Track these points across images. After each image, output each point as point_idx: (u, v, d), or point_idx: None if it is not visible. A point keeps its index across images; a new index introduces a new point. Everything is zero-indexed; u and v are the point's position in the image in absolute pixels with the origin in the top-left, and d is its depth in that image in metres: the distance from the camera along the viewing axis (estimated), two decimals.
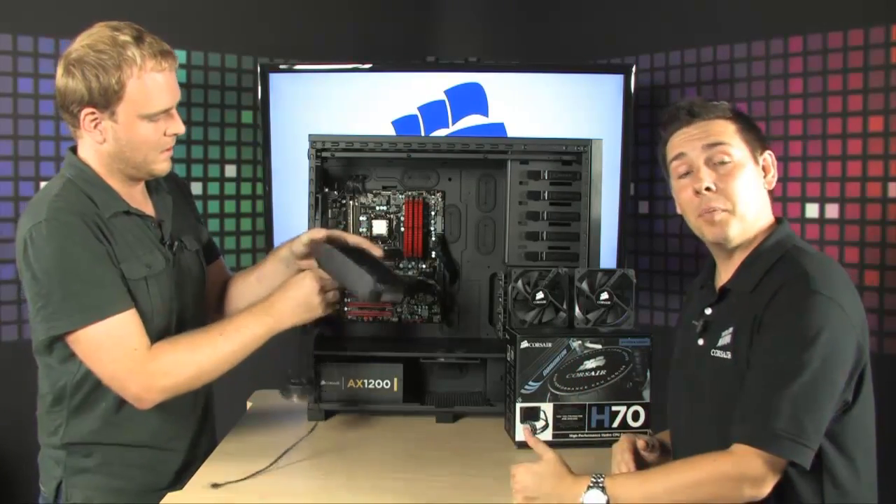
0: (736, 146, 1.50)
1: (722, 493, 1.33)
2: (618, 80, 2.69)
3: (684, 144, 1.52)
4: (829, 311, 1.35)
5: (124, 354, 1.57)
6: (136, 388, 1.58)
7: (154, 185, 1.77)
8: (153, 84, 1.59)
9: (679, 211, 1.58)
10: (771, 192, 1.54)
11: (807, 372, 1.32)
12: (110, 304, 1.57)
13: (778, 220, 1.54)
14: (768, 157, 1.53)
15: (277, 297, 1.71)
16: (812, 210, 2.45)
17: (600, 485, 1.38)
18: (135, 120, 1.60)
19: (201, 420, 1.82)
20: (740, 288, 1.49)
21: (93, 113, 1.59)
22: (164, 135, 1.65)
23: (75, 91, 1.58)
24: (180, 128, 1.67)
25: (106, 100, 1.58)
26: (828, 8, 2.41)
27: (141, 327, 1.60)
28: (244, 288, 1.93)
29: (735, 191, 1.48)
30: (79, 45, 1.59)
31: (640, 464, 1.61)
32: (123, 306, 1.58)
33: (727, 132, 1.51)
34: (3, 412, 2.47)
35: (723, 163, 1.49)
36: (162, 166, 1.68)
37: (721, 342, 1.47)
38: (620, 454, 1.62)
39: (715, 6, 2.65)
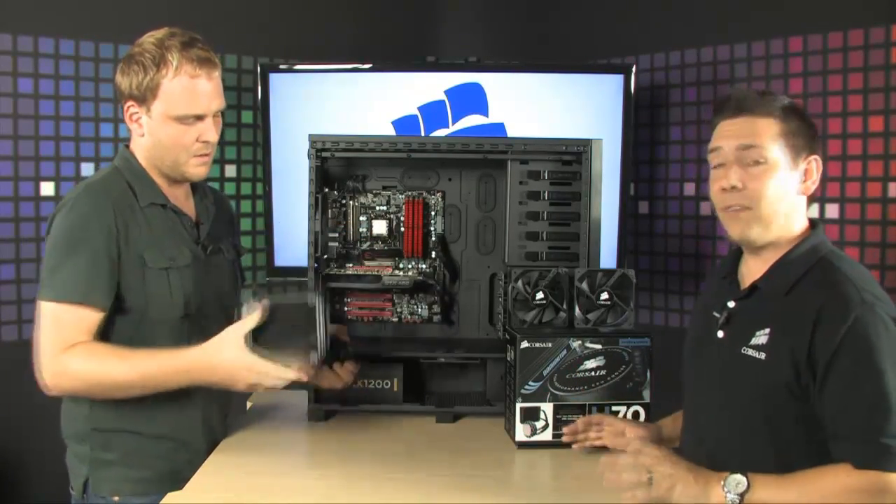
0: (772, 149, 1.47)
1: None
2: (618, 80, 2.69)
3: (722, 139, 1.51)
4: (879, 322, 1.37)
5: (54, 343, 1.60)
6: (44, 373, 1.61)
7: (200, 191, 1.84)
8: (187, 87, 1.67)
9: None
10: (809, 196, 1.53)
11: (891, 389, 1.35)
12: (77, 291, 1.60)
13: (813, 224, 1.54)
14: (813, 162, 1.51)
15: (207, 359, 1.63)
16: (812, 210, 2.44)
17: (741, 473, 1.38)
18: (165, 119, 1.68)
19: (219, 413, 1.84)
20: (773, 289, 1.49)
21: (133, 106, 1.69)
22: (197, 140, 1.70)
23: (121, 84, 1.69)
24: (212, 136, 1.72)
25: (143, 95, 1.67)
26: (828, 8, 2.41)
27: (90, 328, 1.61)
28: None
29: (760, 193, 1.47)
30: (135, 44, 1.70)
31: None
32: (89, 301, 1.61)
33: (768, 133, 1.48)
34: (3, 412, 2.47)
35: (756, 163, 1.48)
36: (195, 170, 1.74)
37: (754, 341, 1.47)
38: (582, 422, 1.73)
39: (715, 6, 2.65)
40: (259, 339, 1.64)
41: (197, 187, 1.84)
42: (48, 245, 1.66)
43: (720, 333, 1.55)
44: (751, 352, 1.47)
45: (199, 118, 1.69)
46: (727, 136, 1.50)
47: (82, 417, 1.69)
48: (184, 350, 1.64)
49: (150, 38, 1.68)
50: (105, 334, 1.65)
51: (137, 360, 1.61)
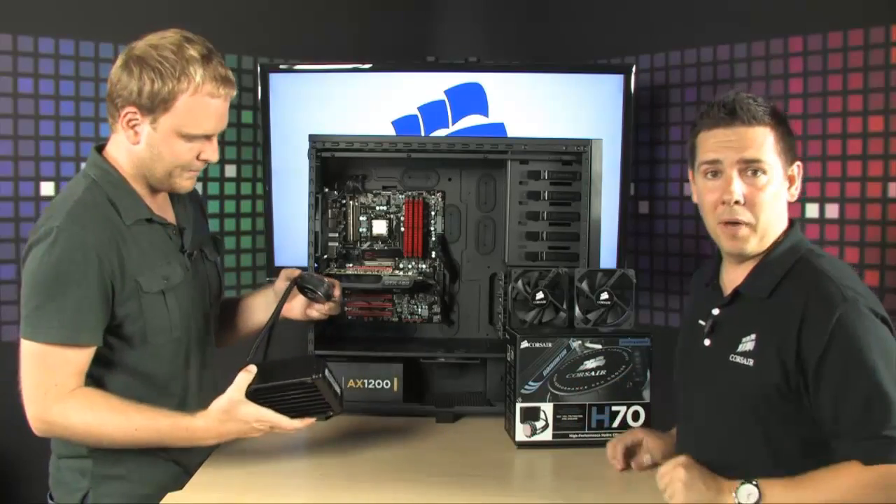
0: (772, 161, 1.46)
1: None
2: (618, 80, 2.69)
3: (720, 150, 1.47)
4: (863, 317, 1.37)
5: (41, 384, 1.53)
6: (32, 418, 1.55)
7: (178, 196, 1.75)
8: (204, 107, 1.57)
9: (696, 200, 1.57)
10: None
11: (885, 381, 1.35)
12: (64, 333, 1.52)
13: (790, 223, 1.53)
14: (796, 169, 1.51)
15: (214, 428, 1.59)
16: (812, 210, 2.45)
17: (752, 483, 1.38)
18: (173, 135, 1.58)
19: None
20: (755, 293, 1.48)
21: (135, 113, 1.57)
22: (197, 158, 1.63)
23: (126, 86, 1.56)
24: (214, 156, 1.64)
25: (153, 105, 1.56)
26: (828, 8, 2.41)
27: (79, 368, 1.55)
28: (255, 307, 1.93)
29: (762, 207, 1.46)
30: (145, 44, 1.58)
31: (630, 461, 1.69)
32: (76, 340, 1.54)
33: (765, 145, 1.46)
34: (3, 413, 2.47)
35: (756, 175, 1.46)
36: (185, 184, 1.66)
37: (741, 348, 1.47)
38: (612, 448, 1.70)
39: (715, 6, 2.65)
40: (259, 395, 1.59)
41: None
42: (29, 279, 1.55)
43: (707, 342, 1.54)
44: (739, 359, 1.47)
45: (208, 137, 1.62)
46: (725, 147, 1.47)
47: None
48: (187, 417, 1.58)
49: (165, 43, 1.56)
50: (101, 361, 1.60)
51: (137, 419, 1.55)
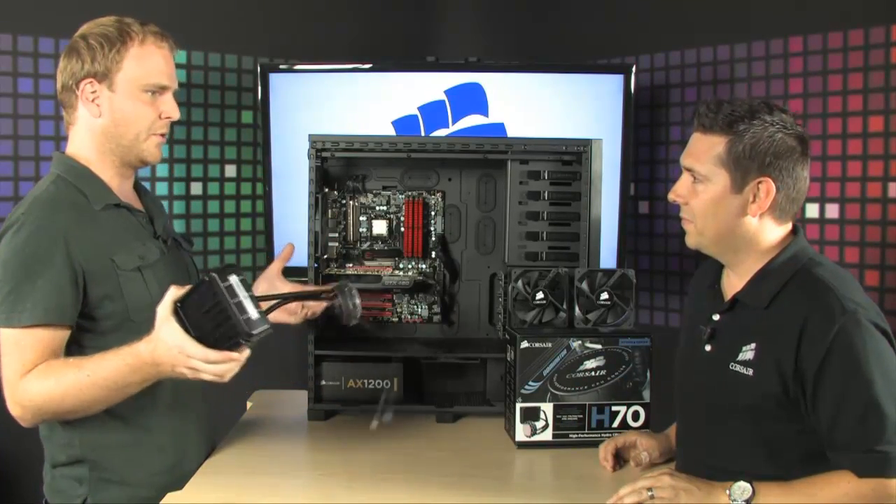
0: (713, 171, 1.46)
1: None
2: (618, 80, 2.69)
3: (683, 153, 1.52)
4: (863, 330, 1.37)
5: (15, 370, 1.52)
6: (10, 404, 1.53)
7: (143, 189, 1.78)
8: (152, 55, 1.64)
9: None
10: (780, 210, 1.48)
11: (882, 396, 1.35)
12: (35, 314, 1.51)
13: (794, 230, 1.52)
14: (761, 185, 1.45)
15: (152, 350, 1.44)
16: (812, 210, 2.45)
17: (747, 480, 1.39)
18: (132, 89, 1.62)
19: (207, 421, 1.82)
20: (754, 302, 1.48)
21: (91, 83, 1.61)
22: (160, 117, 1.65)
23: (74, 67, 1.62)
24: (176, 112, 1.67)
25: (106, 68, 1.61)
26: (828, 8, 2.41)
27: (52, 349, 1.52)
28: None
29: (696, 211, 1.50)
30: (84, 27, 1.65)
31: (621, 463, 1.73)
32: (47, 320, 1.52)
33: (707, 154, 1.46)
34: (3, 413, 2.47)
35: (697, 181, 1.49)
36: (153, 151, 1.67)
37: (741, 357, 1.46)
38: (603, 449, 1.72)
39: (715, 6, 2.65)
40: (181, 314, 1.40)
41: (137, 184, 1.76)
42: (0, 269, 1.54)
43: (707, 347, 1.54)
44: (738, 368, 1.47)
45: (164, 90, 1.65)
46: (686, 150, 1.52)
47: (74, 442, 1.60)
48: (139, 352, 1.46)
49: (100, 23, 1.64)
50: (86, 347, 1.57)
51: (88, 364, 1.50)
